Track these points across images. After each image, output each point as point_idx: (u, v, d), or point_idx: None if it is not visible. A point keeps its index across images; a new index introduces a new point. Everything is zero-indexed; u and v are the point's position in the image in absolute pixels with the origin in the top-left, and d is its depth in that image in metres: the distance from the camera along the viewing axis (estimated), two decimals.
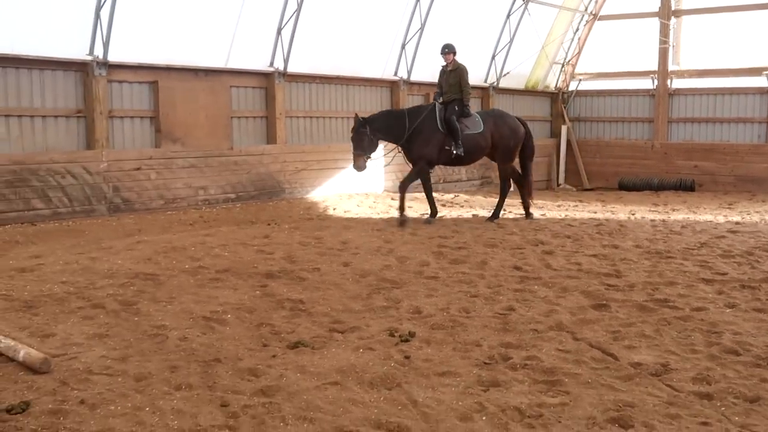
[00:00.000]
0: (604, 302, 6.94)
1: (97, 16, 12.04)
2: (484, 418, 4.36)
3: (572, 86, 22.90)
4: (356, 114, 12.12)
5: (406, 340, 5.78)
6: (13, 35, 11.39)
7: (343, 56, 16.23)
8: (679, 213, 14.55)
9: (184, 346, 5.55)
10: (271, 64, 14.97)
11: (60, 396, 4.54)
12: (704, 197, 18.31)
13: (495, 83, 20.26)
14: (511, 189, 13.07)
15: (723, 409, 4.52)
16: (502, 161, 12.73)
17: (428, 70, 16.81)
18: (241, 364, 5.19)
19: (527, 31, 20.25)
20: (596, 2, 21.98)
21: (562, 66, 22.55)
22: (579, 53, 22.59)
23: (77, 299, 6.78)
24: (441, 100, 12.27)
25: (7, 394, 4.54)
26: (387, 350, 5.54)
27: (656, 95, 21.26)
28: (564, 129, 22.59)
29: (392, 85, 17.58)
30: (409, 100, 17.50)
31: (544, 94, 22.72)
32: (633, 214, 14.14)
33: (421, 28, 17.22)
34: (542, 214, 13.81)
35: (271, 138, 15.11)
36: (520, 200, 13.23)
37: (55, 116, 12.07)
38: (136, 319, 6.25)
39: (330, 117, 16.27)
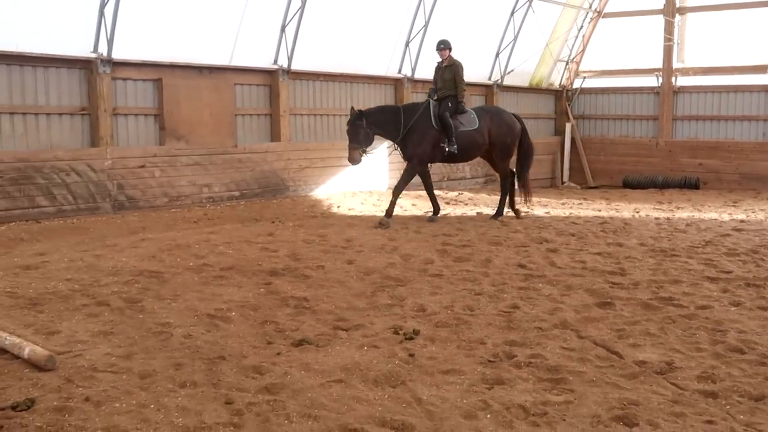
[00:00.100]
0: (609, 300, 6.94)
1: (101, 14, 12.05)
2: (488, 416, 4.36)
3: (576, 84, 22.84)
4: (352, 107, 12.03)
5: (411, 338, 5.78)
6: (18, 33, 11.40)
7: (347, 54, 16.21)
8: (683, 211, 14.52)
9: (188, 344, 5.56)
10: (275, 62, 14.97)
11: (65, 393, 4.55)
12: (709, 195, 18.27)
13: (499, 81, 20.23)
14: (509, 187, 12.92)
15: (728, 407, 4.52)
16: (500, 159, 12.61)
17: (432, 67, 16.66)
18: (245, 362, 5.19)
19: (531, 29, 20.21)
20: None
21: (567, 63, 22.51)
22: (583, 50, 22.54)
23: (82, 296, 6.80)
24: (435, 97, 12.17)
25: (12, 392, 4.56)
26: (391, 348, 5.54)
27: (661, 93, 21.20)
28: (568, 127, 22.55)
29: (396, 83, 17.57)
30: (413, 98, 17.44)
31: (549, 91, 22.68)
32: (637, 212, 14.12)
33: (425, 26, 17.20)
34: (546, 212, 13.80)
35: (275, 136, 15.11)
36: (509, 198, 12.89)
37: (60, 114, 12.08)
38: (140, 316, 6.26)
39: (334, 115, 16.25)
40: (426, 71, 17.42)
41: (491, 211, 12.96)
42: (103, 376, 4.85)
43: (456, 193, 16.94)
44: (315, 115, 15.95)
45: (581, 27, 22.09)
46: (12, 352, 5.13)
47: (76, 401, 4.43)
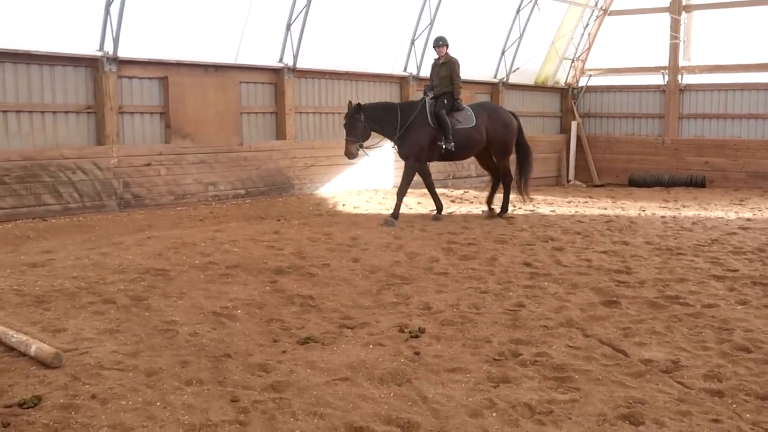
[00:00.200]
0: (615, 299, 6.92)
1: (107, 12, 12.07)
2: (494, 414, 4.36)
3: (582, 82, 22.80)
4: (350, 101, 11.96)
5: (416, 336, 5.78)
6: (24, 31, 11.43)
7: (353, 52, 16.21)
8: (689, 209, 14.48)
9: (194, 342, 5.57)
10: (281, 60, 14.98)
11: (71, 391, 4.56)
12: (715, 193, 18.22)
13: (504, 79, 20.21)
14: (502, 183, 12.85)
15: (734, 406, 4.50)
16: (500, 156, 12.53)
17: None
18: (251, 360, 5.20)
19: (537, 27, 20.18)
20: None
21: (572, 62, 22.46)
22: (589, 49, 22.49)
23: (88, 294, 6.81)
24: (431, 94, 12.07)
25: (19, 389, 4.57)
26: (397, 346, 5.54)
27: (667, 91, 21.14)
28: (574, 125, 22.51)
29: (401, 81, 17.56)
30: (419, 96, 17.45)
31: (554, 89, 22.64)
32: (643, 211, 14.09)
33: (431, 24, 17.18)
34: (552, 210, 13.78)
35: (280, 134, 15.12)
36: (489, 193, 12.92)
37: (66, 112, 12.12)
38: (146, 314, 6.27)
39: (339, 113, 16.19)
40: (430, 69, 17.43)
41: (497, 210, 12.91)
42: (109, 373, 4.87)
43: (461, 192, 16.94)
44: (320, 113, 15.96)
45: (587, 25, 22.05)
46: (19, 350, 5.15)
47: (82, 399, 4.45)
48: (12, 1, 11.22)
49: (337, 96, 16.28)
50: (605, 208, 14.49)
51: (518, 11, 19.60)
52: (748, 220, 12.68)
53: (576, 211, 13.77)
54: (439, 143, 11.72)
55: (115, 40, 12.22)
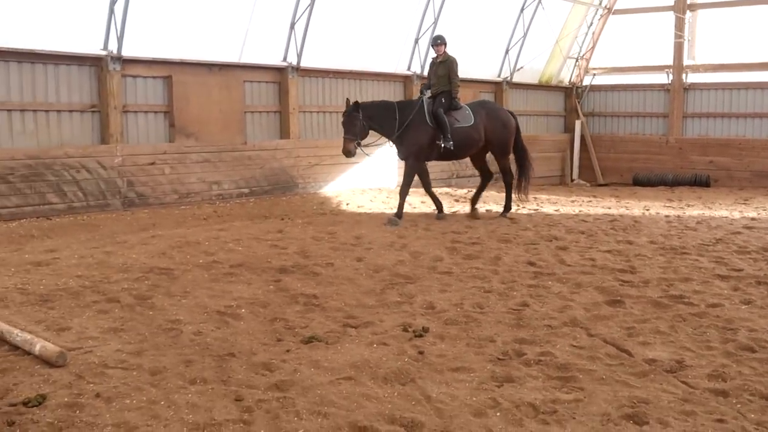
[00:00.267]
0: (619, 298, 6.91)
1: (111, 11, 12.09)
2: (498, 413, 4.35)
3: (586, 81, 22.76)
4: (348, 99, 11.89)
5: (420, 336, 5.78)
6: (29, 30, 11.45)
7: (356, 51, 16.21)
8: (694, 209, 14.46)
9: (198, 341, 5.57)
10: (285, 59, 14.98)
11: (76, 389, 4.57)
12: (719, 193, 18.18)
13: (508, 78, 20.19)
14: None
15: (738, 406, 4.50)
16: (499, 155, 12.48)
17: None
18: (255, 359, 5.20)
19: (541, 26, 20.16)
20: None
21: (576, 60, 22.43)
22: (593, 48, 22.46)
23: (92, 293, 6.82)
24: (429, 93, 12.02)
25: (23, 387, 4.58)
26: (401, 345, 5.54)
27: (671, 90, 21.11)
28: (578, 124, 22.48)
29: (405, 80, 17.56)
30: None
31: (558, 88, 22.62)
32: (647, 210, 14.07)
33: (435, 22, 17.17)
34: (556, 210, 13.77)
35: (284, 133, 15.13)
36: (475, 193, 12.83)
37: (70, 111, 12.14)
38: (150, 313, 6.28)
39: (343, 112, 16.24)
40: None
41: (501, 209, 12.90)
42: (113, 372, 4.87)
43: (465, 191, 16.90)
44: (324, 112, 15.96)
45: (591, 24, 22.02)
46: (23, 348, 5.16)
47: (86, 397, 4.45)
48: (16, 1, 11.24)
49: (341, 95, 16.26)
50: (609, 208, 14.47)
51: (522, 10, 19.58)
52: (753, 219, 12.66)
53: (580, 211, 13.76)
54: (437, 142, 11.65)
55: (119, 39, 12.24)
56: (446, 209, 12.69)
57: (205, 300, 6.70)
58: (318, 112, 15.88)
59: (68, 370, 4.87)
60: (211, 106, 13.82)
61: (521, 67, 20.36)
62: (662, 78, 21.35)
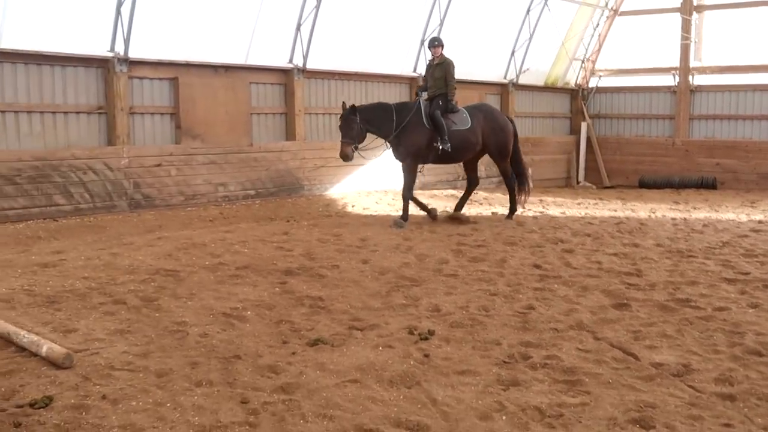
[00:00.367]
0: (625, 301, 6.90)
1: (118, 13, 12.12)
2: (504, 417, 4.35)
3: (592, 83, 22.74)
4: (344, 102, 11.81)
5: (426, 338, 5.77)
6: (36, 32, 11.49)
7: (362, 52, 16.23)
8: (700, 211, 14.42)
9: (204, 343, 5.58)
10: (291, 61, 15.00)
11: (82, 391, 4.58)
12: (726, 195, 18.14)
13: (514, 80, 20.18)
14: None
15: (746, 410, 4.48)
16: (499, 159, 12.44)
17: None
18: (261, 361, 5.20)
19: (547, 27, 20.15)
20: None
21: (582, 62, 22.41)
22: (599, 49, 22.43)
23: (99, 295, 6.84)
24: (425, 95, 11.94)
25: (30, 389, 4.59)
26: (406, 348, 5.54)
27: (677, 92, 21.06)
28: (584, 126, 22.45)
29: (411, 82, 17.55)
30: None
31: (564, 90, 22.59)
32: (654, 213, 14.04)
33: (441, 24, 17.17)
34: (562, 212, 13.75)
35: (290, 134, 15.14)
36: (461, 198, 12.72)
37: (77, 112, 12.17)
38: (156, 315, 6.29)
39: None
40: None
41: (507, 211, 12.88)
42: (119, 374, 4.88)
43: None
44: (330, 114, 15.95)
45: (597, 25, 21.99)
46: (30, 350, 5.17)
47: (93, 399, 4.46)
48: (23, 2, 11.28)
49: (346, 97, 16.23)
50: (615, 210, 14.44)
51: (528, 11, 19.57)
52: (760, 222, 12.62)
53: (586, 213, 13.74)
54: (435, 144, 11.56)
55: (126, 41, 12.28)
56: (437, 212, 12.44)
57: (211, 302, 6.71)
58: (324, 113, 15.89)
59: (75, 371, 4.88)
60: (217, 107, 13.85)
61: (527, 69, 20.34)
62: (668, 80, 21.31)
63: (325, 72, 15.73)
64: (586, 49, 22.23)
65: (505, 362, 5.27)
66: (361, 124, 11.32)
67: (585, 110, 22.53)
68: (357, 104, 11.72)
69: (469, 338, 5.82)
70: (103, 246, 9.24)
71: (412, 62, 17.44)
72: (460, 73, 17.65)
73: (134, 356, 5.23)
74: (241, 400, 4.51)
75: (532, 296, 7.13)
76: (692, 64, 20.85)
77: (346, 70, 16.10)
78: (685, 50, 20.81)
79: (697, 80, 20.90)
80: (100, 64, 12.32)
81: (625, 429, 4.22)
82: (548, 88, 22.04)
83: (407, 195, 11.67)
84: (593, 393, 4.70)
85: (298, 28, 14.84)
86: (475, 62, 18.58)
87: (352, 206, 13.90)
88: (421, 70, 17.41)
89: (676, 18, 20.79)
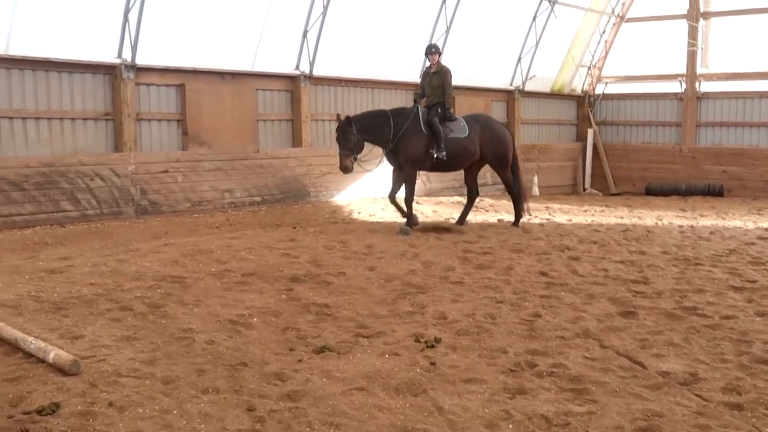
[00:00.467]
0: (632, 309, 6.88)
1: (126, 20, 12.18)
2: (510, 426, 4.34)
3: (599, 89, 22.74)
4: (338, 114, 11.78)
5: (432, 346, 5.76)
6: (43, 39, 11.55)
7: (369, 59, 16.26)
8: (707, 219, 14.39)
9: (210, 350, 5.58)
10: (297, 67, 15.04)
11: (89, 398, 4.59)
12: (733, 203, 18.09)
13: (521, 86, 20.18)
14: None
15: (754, 420, 4.46)
16: (499, 168, 12.38)
17: (454, 73, 16.73)
18: (267, 369, 5.20)
19: (553, 34, 20.16)
20: (623, 4, 21.83)
21: (589, 69, 22.41)
22: (605, 56, 22.43)
23: (106, 301, 6.85)
24: (422, 102, 11.86)
25: (37, 396, 4.60)
26: (412, 356, 5.53)
27: (684, 99, 21.04)
28: (590, 133, 22.45)
29: (418, 88, 17.53)
30: None
31: (570, 97, 22.59)
32: (660, 220, 14.01)
33: (447, 31, 17.20)
34: (568, 219, 13.74)
35: (296, 141, 15.17)
36: (462, 212, 12.60)
37: (84, 119, 12.22)
38: (163, 321, 6.30)
39: None
40: None
41: (512, 218, 12.87)
42: (126, 381, 4.89)
43: (477, 200, 16.86)
44: (336, 120, 15.95)
45: (603, 32, 22.00)
46: (37, 356, 5.18)
47: (100, 406, 4.47)
48: (31, 9, 11.34)
49: (353, 103, 16.30)
50: (622, 217, 14.42)
51: (534, 18, 19.58)
52: (767, 230, 12.57)
53: (592, 220, 13.72)
54: (431, 151, 11.47)
55: (133, 48, 12.33)
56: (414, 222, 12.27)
57: (217, 309, 6.72)
58: (330, 120, 15.88)
59: (82, 378, 4.89)
60: (224, 114, 13.89)
61: (533, 76, 20.35)
62: (675, 87, 21.29)
63: (332, 78, 15.77)
64: (593, 56, 22.23)
65: (511, 370, 5.26)
66: (358, 134, 11.21)
67: (591, 117, 22.52)
68: (363, 110, 11.69)
69: (475, 346, 5.81)
70: (110, 252, 9.27)
71: (419, 69, 17.44)
72: (466, 80, 17.80)
73: (141, 363, 5.24)
74: (248, 408, 4.51)
75: (538, 304, 7.12)
76: (699, 70, 20.83)
77: (353, 76, 16.13)
78: (691, 57, 20.80)
79: (704, 87, 20.88)
80: (108, 70, 12.37)
81: None
82: (555, 95, 22.04)
83: (410, 201, 11.64)
84: (600, 401, 4.69)
85: (304, 35, 14.88)
86: (482, 69, 18.60)
87: (359, 213, 13.90)
88: None
89: (683, 24, 20.78)
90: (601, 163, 22.25)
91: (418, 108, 11.75)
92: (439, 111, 11.68)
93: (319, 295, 7.31)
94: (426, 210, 14.27)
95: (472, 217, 13.64)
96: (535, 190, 20.24)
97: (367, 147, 11.57)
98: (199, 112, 13.53)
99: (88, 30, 12.04)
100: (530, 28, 19.66)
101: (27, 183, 11.24)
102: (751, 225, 13.28)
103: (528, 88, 20.46)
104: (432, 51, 12.03)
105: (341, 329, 6.23)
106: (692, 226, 12.99)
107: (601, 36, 22.03)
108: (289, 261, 8.86)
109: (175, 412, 4.43)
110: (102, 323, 6.20)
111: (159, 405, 4.52)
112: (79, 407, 4.44)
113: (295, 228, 11.91)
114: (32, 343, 5.32)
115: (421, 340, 5.91)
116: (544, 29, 19.81)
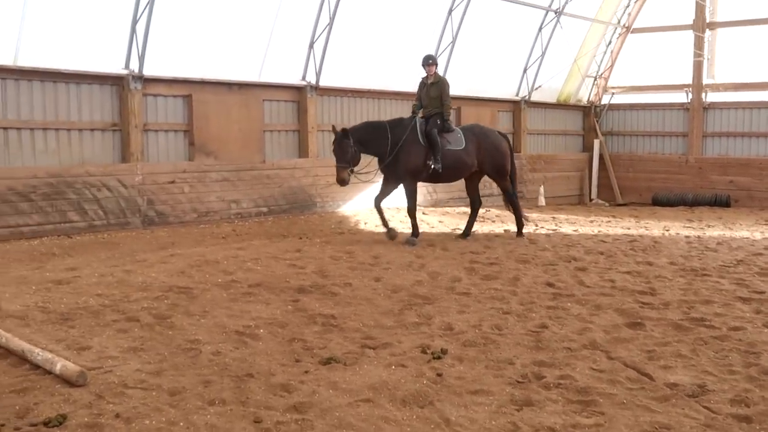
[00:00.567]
0: (639, 320, 6.85)
1: (133, 31, 12.25)
2: None
3: (605, 100, 22.74)
4: (333, 126, 11.75)
5: (438, 357, 5.74)
6: (51, 50, 11.62)
7: (375, 70, 16.30)
8: (714, 229, 14.34)
9: (217, 361, 5.58)
10: (304, 78, 15.09)
11: (96, 409, 4.58)
12: (740, 213, 18.04)
13: (527, 97, 20.20)
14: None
15: None
16: (498, 178, 12.35)
17: (461, 84, 16.81)
18: (273, 380, 5.19)
19: (559, 45, 20.19)
20: (629, 15, 21.85)
21: (595, 79, 22.43)
22: (612, 66, 22.44)
23: (112, 312, 6.86)
24: (420, 113, 11.79)
25: (44, 407, 4.60)
26: (419, 367, 5.51)
27: (690, 109, 21.03)
28: (596, 143, 22.43)
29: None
30: None
31: (577, 107, 22.60)
32: (667, 231, 13.97)
33: (453, 42, 17.24)
34: (575, 230, 13.71)
35: (303, 151, 15.20)
36: (467, 224, 12.47)
37: (92, 129, 12.28)
38: (170, 332, 6.30)
39: None
40: (454, 87, 17.40)
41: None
42: (133, 392, 4.89)
43: (483, 210, 16.86)
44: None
45: (610, 42, 22.02)
46: (44, 368, 5.19)
47: (106, 418, 4.47)
48: (39, 20, 11.42)
49: (359, 114, 16.34)
50: (628, 228, 14.38)
51: (540, 29, 19.62)
52: None
53: (599, 231, 13.68)
54: (428, 162, 11.42)
55: (141, 59, 12.39)
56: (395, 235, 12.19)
57: (223, 320, 6.71)
58: None
59: (88, 389, 4.89)
60: (231, 124, 13.93)
61: (539, 86, 20.37)
62: (681, 97, 21.29)
63: (338, 89, 15.81)
64: (599, 66, 22.24)
65: (518, 382, 5.24)
66: (355, 146, 11.16)
67: (597, 127, 22.52)
68: (366, 120, 11.68)
69: (482, 357, 5.79)
70: (117, 263, 9.28)
71: None
72: (472, 91, 17.83)
73: (147, 374, 5.24)
74: (254, 419, 4.50)
75: (545, 315, 7.10)
76: (705, 81, 20.83)
77: (359, 87, 16.17)
78: (698, 67, 20.79)
79: (710, 97, 20.87)
80: (115, 81, 12.43)
81: None
82: (561, 105, 22.05)
83: (413, 211, 11.62)
84: (607, 414, 4.67)
85: (311, 46, 14.93)
86: (488, 79, 18.63)
87: (365, 223, 13.90)
88: None
89: (689, 35, 20.79)
90: (607, 174, 22.24)
91: (416, 119, 11.69)
92: (438, 122, 11.63)
93: (326, 306, 7.30)
94: (432, 220, 14.28)
95: (479, 228, 13.63)
96: (542, 201, 20.24)
97: (365, 159, 11.50)
98: (206, 123, 13.58)
99: (96, 41, 12.11)
100: (536, 39, 19.69)
101: (34, 193, 11.29)
102: (758, 235, 13.23)
103: (534, 98, 20.48)
104: (429, 62, 11.94)
105: (348, 340, 6.22)
106: (699, 237, 12.95)
107: (608, 46, 22.05)
108: (295, 272, 8.86)
109: (181, 423, 4.42)
110: (109, 334, 6.20)
111: (166, 416, 4.51)
112: (86, 419, 4.44)
113: (301, 238, 11.91)
114: (39, 354, 5.32)
115: (428, 351, 5.90)
116: (550, 40, 19.84)
